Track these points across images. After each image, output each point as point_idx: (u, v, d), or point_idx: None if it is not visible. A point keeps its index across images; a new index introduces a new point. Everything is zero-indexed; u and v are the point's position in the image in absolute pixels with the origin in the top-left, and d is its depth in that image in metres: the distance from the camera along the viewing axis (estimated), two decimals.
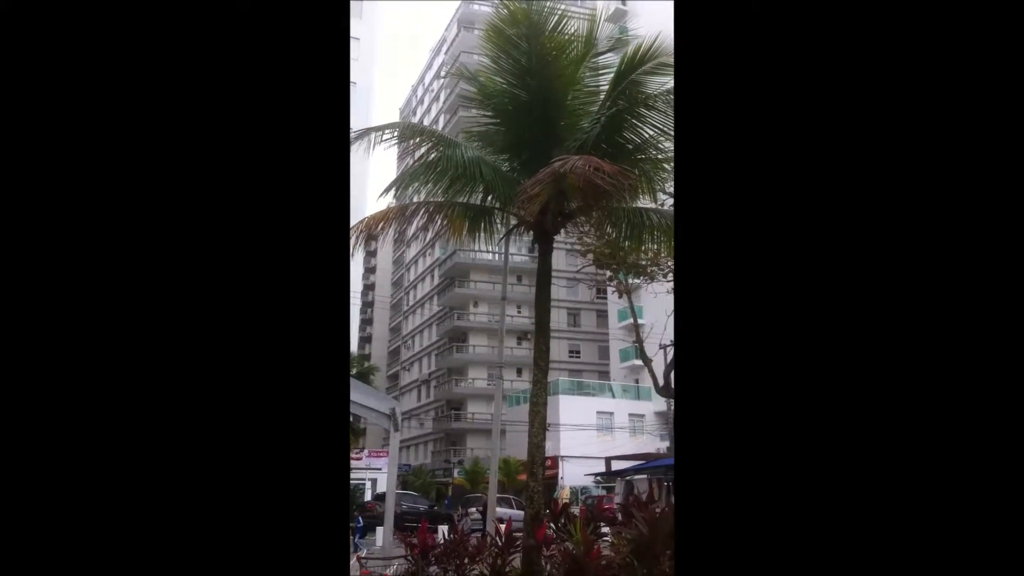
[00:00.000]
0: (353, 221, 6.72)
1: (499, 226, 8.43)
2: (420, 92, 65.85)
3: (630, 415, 36.49)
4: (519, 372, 42.14)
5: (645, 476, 24.06)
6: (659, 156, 7.79)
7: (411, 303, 59.38)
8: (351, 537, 14.14)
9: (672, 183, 9.20)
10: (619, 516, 7.11)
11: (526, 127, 7.75)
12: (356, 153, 6.49)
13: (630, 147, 7.73)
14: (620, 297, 22.74)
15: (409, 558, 6.95)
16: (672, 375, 18.27)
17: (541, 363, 7.46)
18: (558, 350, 41.41)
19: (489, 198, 8.03)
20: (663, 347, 24.01)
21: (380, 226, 7.51)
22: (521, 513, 11.10)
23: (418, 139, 8.11)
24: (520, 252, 32.69)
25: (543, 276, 7.82)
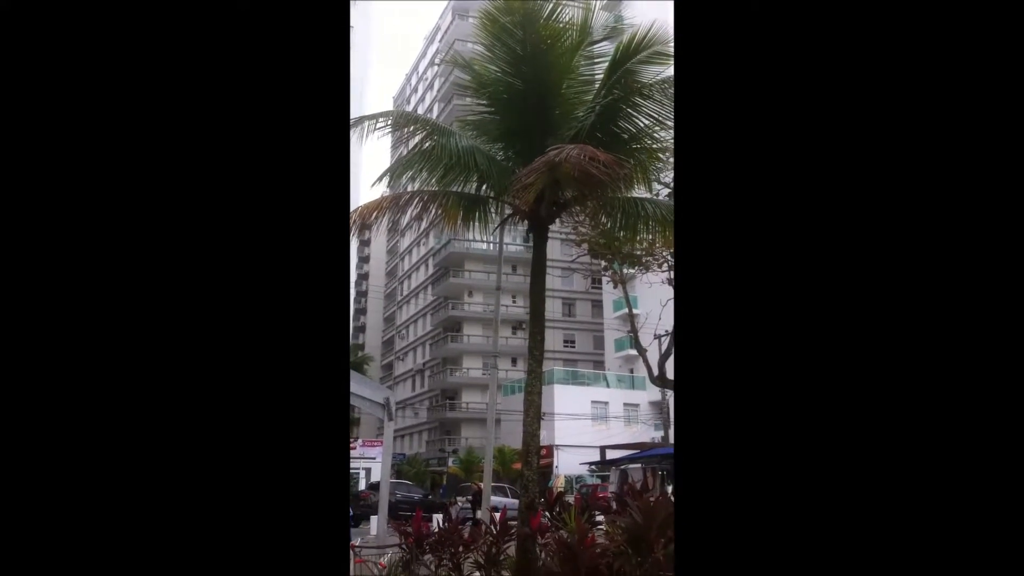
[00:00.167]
0: None
1: (494, 215, 8.42)
2: (414, 80, 65.58)
3: (625, 405, 36.60)
4: (514, 362, 42.21)
5: (639, 465, 24.16)
6: (654, 145, 7.78)
7: (405, 293, 59.34)
8: None
9: (667, 173, 9.21)
10: (613, 505, 7.14)
11: (521, 116, 7.72)
12: (350, 141, 6.46)
13: (625, 136, 7.71)
14: (615, 287, 22.72)
15: (403, 547, 6.97)
16: (666, 365, 18.30)
17: (536, 353, 7.46)
18: (553, 340, 41.44)
19: (484, 187, 8.01)
20: (658, 337, 24.06)
21: (374, 215, 7.49)
22: (516, 502, 11.15)
23: (412, 127, 8.07)
24: (515, 242, 32.62)
25: (538, 266, 7.81)
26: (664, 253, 16.69)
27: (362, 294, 69.49)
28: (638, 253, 17.08)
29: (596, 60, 7.92)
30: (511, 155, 8.06)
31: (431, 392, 50.73)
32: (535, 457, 7.28)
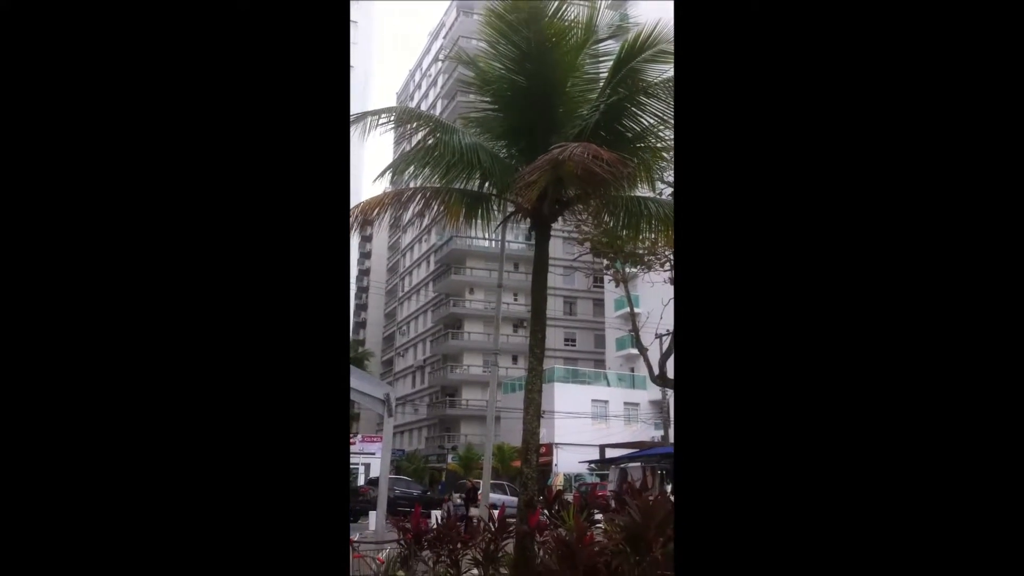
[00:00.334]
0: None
1: (496, 213, 8.41)
2: (418, 77, 65.52)
3: (625, 403, 36.61)
4: (514, 359, 42.23)
5: (639, 464, 24.18)
6: (658, 145, 7.77)
7: (407, 289, 59.35)
8: None
9: (670, 172, 9.19)
10: (612, 503, 7.16)
11: (524, 113, 7.71)
12: (352, 137, 6.45)
13: (629, 135, 7.70)
14: (617, 286, 22.73)
15: (402, 542, 6.98)
16: (667, 364, 18.29)
17: (537, 351, 7.46)
18: (554, 338, 41.44)
19: (486, 184, 8.00)
20: (659, 336, 24.05)
21: (376, 211, 7.49)
22: (515, 499, 11.16)
23: (415, 124, 8.07)
24: (517, 239, 32.65)
25: (540, 264, 7.81)
26: (666, 252, 16.67)
27: (363, 290, 69.50)
28: (640, 252, 17.07)
29: (601, 58, 7.91)
30: (514, 152, 8.05)
31: (431, 388, 50.75)
32: (534, 455, 7.29)
